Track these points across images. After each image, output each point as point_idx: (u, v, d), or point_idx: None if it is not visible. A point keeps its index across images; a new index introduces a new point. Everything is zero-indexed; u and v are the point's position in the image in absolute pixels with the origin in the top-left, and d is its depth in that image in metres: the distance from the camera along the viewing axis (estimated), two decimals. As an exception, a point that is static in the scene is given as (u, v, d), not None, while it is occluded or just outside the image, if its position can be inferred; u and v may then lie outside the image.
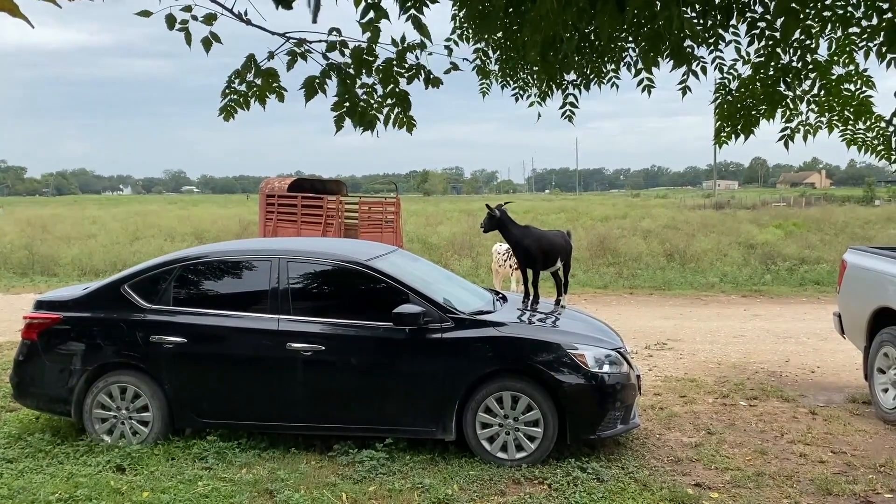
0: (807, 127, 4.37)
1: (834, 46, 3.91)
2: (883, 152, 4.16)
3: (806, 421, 6.67)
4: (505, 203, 7.71)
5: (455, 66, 3.86)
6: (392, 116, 3.77)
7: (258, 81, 3.74)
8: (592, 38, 4.04)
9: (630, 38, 4.12)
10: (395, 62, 3.58)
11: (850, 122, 4.17)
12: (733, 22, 3.52)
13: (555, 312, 6.82)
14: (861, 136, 4.32)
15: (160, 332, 5.82)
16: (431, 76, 3.72)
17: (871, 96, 4.12)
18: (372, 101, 3.69)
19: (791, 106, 4.15)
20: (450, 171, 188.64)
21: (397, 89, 3.65)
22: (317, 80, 3.55)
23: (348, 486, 5.07)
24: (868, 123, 4.23)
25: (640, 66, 4.35)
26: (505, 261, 12.47)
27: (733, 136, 4.47)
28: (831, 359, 9.10)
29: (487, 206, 7.56)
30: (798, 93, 4.06)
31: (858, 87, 4.15)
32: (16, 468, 5.39)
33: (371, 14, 3.30)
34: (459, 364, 5.59)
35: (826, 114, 4.18)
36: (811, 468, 5.54)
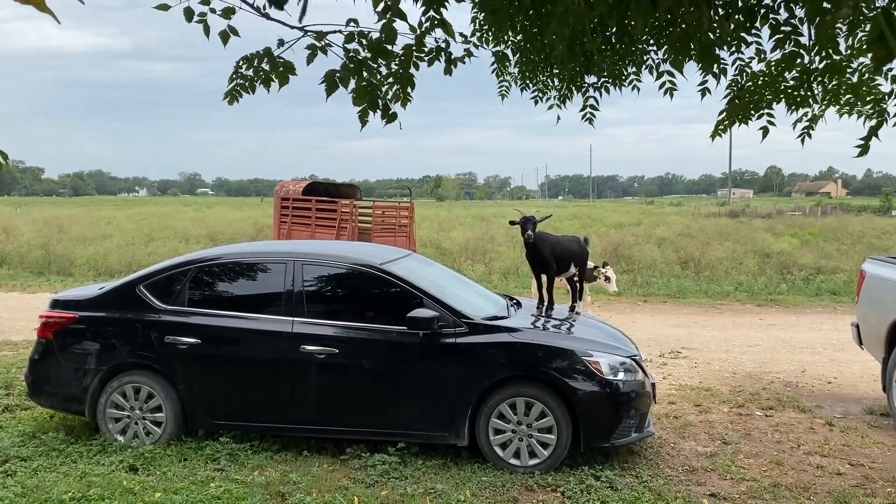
0: (811, 116, 4.31)
1: (854, 45, 3.84)
2: (874, 115, 4.07)
3: (823, 432, 6.58)
4: (535, 211, 7.65)
5: (469, 53, 3.83)
6: (391, 94, 3.74)
7: (268, 69, 3.74)
8: (614, 40, 4.02)
9: (652, 41, 4.09)
10: (414, 48, 3.55)
11: (851, 103, 4.11)
12: (757, 24, 3.48)
13: (569, 319, 6.78)
14: (857, 109, 4.24)
15: (174, 332, 5.84)
16: (452, 56, 3.69)
17: (874, 81, 4.05)
18: (375, 81, 3.67)
19: (803, 101, 4.09)
20: (463, 176, 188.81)
21: (405, 72, 3.63)
22: (337, 74, 3.54)
23: (360, 490, 5.05)
24: (868, 101, 4.15)
25: (661, 68, 4.31)
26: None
27: (733, 123, 4.42)
28: (848, 370, 8.99)
29: (526, 217, 7.42)
30: (815, 92, 4.00)
31: (863, 74, 4.07)
32: (29, 466, 5.40)
33: (382, 4, 3.28)
34: (473, 369, 5.56)
35: (834, 104, 4.12)
36: (828, 480, 5.46)
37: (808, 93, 3.91)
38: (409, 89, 3.69)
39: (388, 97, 3.74)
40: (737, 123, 4.26)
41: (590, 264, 10.86)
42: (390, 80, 3.68)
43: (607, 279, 10.24)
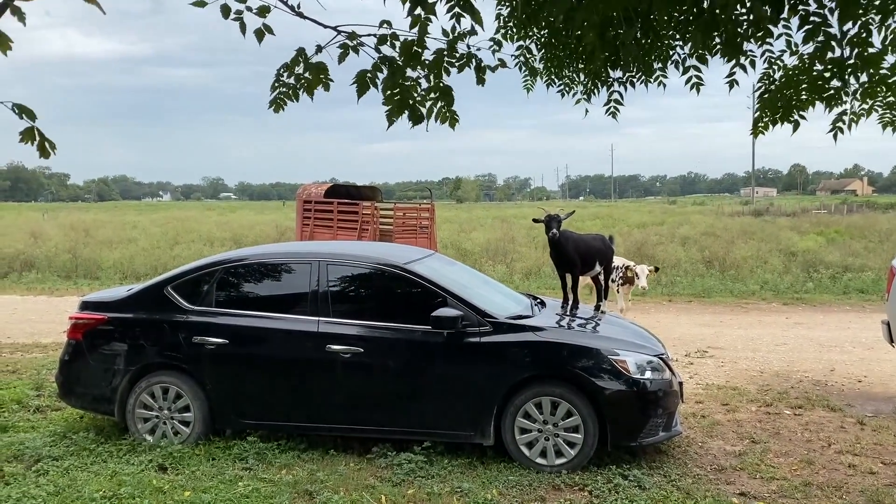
0: (851, 116, 4.24)
1: (889, 37, 3.77)
2: None
3: (854, 431, 6.49)
4: (559, 209, 7.65)
5: (502, 63, 3.85)
6: (435, 111, 3.76)
7: (307, 75, 3.77)
8: (639, 35, 4.00)
9: (678, 37, 4.06)
10: (445, 52, 3.57)
11: (893, 107, 4.02)
12: (784, 15, 3.44)
13: (595, 318, 6.75)
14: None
15: (202, 333, 5.89)
16: (482, 64, 3.70)
17: None
18: (416, 95, 3.69)
19: (837, 97, 4.02)
20: (482, 177, 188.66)
21: (441, 84, 3.64)
22: (368, 75, 3.57)
23: (387, 489, 5.05)
24: None
25: (688, 63, 4.28)
26: None
27: (771, 124, 4.37)
28: (878, 368, 8.86)
29: (550, 215, 7.38)
30: (849, 86, 3.93)
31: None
32: (61, 466, 5.48)
33: (418, 9, 3.30)
34: (498, 368, 5.55)
35: (869, 100, 4.05)
36: (860, 479, 5.38)
37: (844, 87, 3.84)
38: (451, 105, 3.69)
39: (431, 112, 3.74)
40: (776, 125, 4.20)
41: (625, 263, 10.80)
42: (432, 95, 3.69)
43: (637, 276, 10.32)
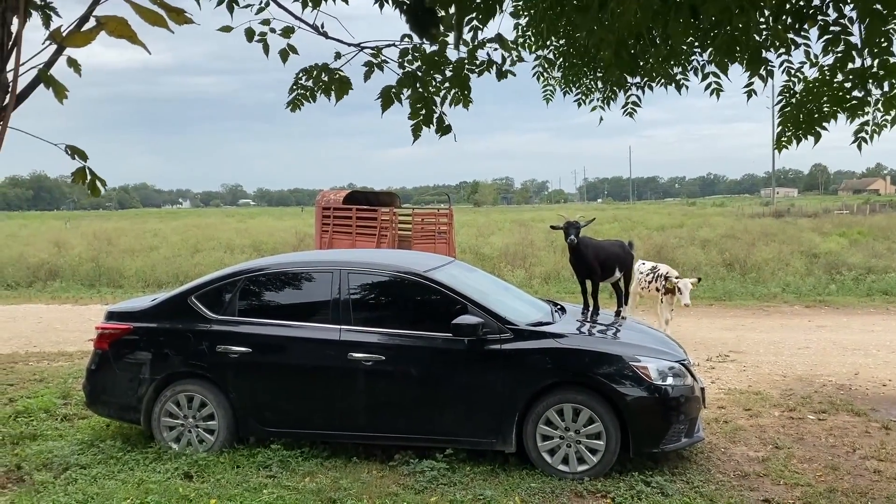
0: (873, 127, 4.22)
1: None
2: None
3: (879, 436, 6.43)
4: (579, 216, 7.64)
5: (520, 58, 3.91)
6: (449, 97, 3.81)
7: (325, 78, 3.84)
8: (658, 42, 4.02)
9: (697, 44, 4.07)
10: (466, 60, 3.63)
11: None
12: (805, 26, 3.44)
13: (615, 324, 6.74)
14: None
15: (225, 342, 5.96)
16: (503, 68, 3.76)
17: None
18: (430, 88, 3.73)
19: (860, 107, 4.00)
20: (500, 181, 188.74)
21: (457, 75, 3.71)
22: (393, 90, 3.62)
23: (410, 496, 5.09)
24: None
25: (707, 70, 4.29)
26: (650, 282, 10.46)
27: (794, 140, 4.36)
28: (904, 372, 8.76)
29: (569, 222, 7.37)
30: (871, 96, 3.92)
31: None
32: (89, 474, 5.56)
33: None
34: (519, 375, 5.56)
35: (892, 111, 4.02)
36: (886, 485, 5.34)
37: (866, 97, 3.82)
38: (466, 92, 3.75)
39: (444, 104, 3.80)
40: (799, 141, 4.18)
41: (668, 271, 10.46)
42: (446, 84, 3.74)
43: (679, 291, 9.80)
